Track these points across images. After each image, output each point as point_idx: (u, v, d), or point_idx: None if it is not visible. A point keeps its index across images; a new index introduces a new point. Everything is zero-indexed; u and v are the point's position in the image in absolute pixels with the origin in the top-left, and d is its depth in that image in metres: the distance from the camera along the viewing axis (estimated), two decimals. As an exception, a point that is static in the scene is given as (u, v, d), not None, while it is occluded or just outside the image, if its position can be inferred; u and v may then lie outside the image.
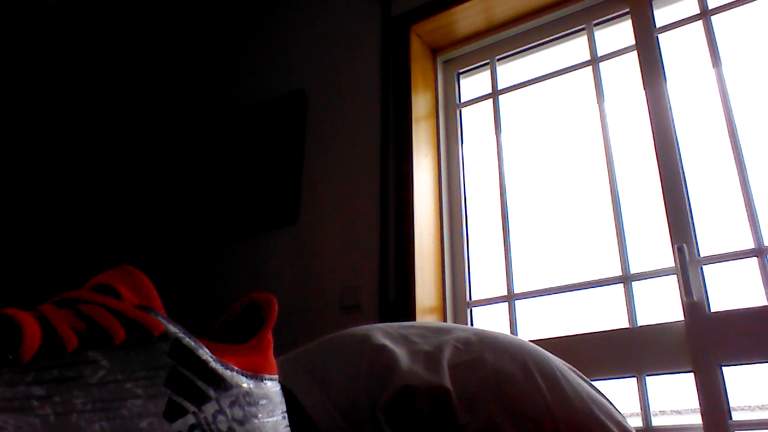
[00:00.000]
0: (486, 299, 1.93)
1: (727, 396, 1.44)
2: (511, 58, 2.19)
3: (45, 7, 2.58)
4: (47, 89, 2.54)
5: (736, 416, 1.44)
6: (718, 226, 1.61)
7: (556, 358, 0.74)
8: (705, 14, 1.79)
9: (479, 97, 2.19)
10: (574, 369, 0.74)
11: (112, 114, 2.76)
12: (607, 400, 0.73)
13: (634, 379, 1.58)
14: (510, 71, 2.18)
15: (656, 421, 1.54)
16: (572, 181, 1.92)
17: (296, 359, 0.75)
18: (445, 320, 1.94)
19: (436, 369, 0.69)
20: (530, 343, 0.77)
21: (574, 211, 1.88)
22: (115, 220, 2.66)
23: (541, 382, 0.68)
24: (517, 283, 1.89)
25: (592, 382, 0.75)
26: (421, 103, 2.14)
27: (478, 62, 2.23)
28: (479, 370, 0.69)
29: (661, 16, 1.88)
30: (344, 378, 0.70)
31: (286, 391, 0.66)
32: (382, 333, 0.75)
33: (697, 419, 1.46)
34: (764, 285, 1.49)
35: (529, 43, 2.12)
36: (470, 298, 1.96)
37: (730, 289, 1.55)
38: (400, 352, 0.71)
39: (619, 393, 1.59)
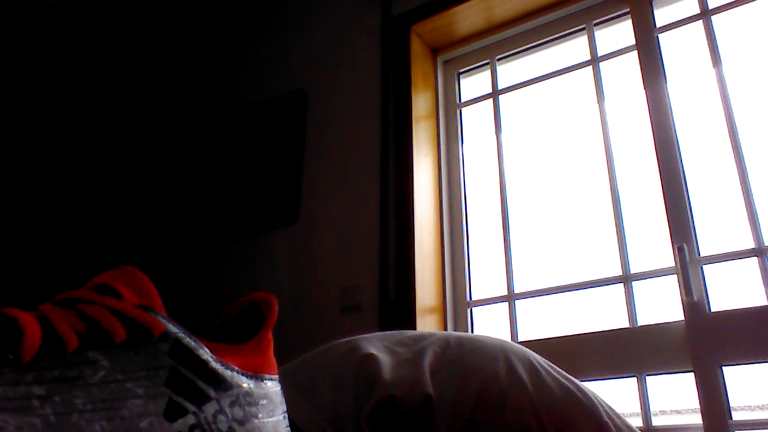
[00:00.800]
0: (486, 299, 1.93)
1: (727, 396, 1.44)
2: (511, 58, 2.19)
3: (44, 6, 2.57)
4: (48, 89, 2.54)
5: (736, 416, 1.44)
6: (718, 226, 1.61)
7: (536, 354, 0.75)
8: (705, 14, 1.79)
9: (479, 97, 2.19)
10: (555, 366, 0.75)
11: (113, 114, 2.76)
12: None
13: (634, 379, 1.58)
14: (510, 71, 2.18)
15: (656, 421, 1.54)
16: (572, 180, 1.92)
17: (283, 375, 0.76)
18: (445, 320, 1.94)
19: (419, 376, 0.69)
20: (508, 341, 0.78)
21: (574, 210, 1.88)
22: (115, 221, 2.66)
23: (523, 375, 0.69)
24: (517, 283, 1.89)
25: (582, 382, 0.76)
26: (421, 103, 2.14)
27: (478, 62, 2.23)
28: (460, 372, 0.70)
29: (661, 16, 1.88)
30: (331, 390, 0.71)
31: None
32: (367, 343, 0.76)
33: (697, 419, 1.46)
34: (764, 285, 1.49)
35: (529, 43, 2.12)
36: (470, 298, 1.96)
37: (730, 289, 1.55)
38: (385, 361, 0.72)
39: (619, 393, 1.59)
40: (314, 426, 0.67)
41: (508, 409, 0.66)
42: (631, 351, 1.60)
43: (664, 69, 1.80)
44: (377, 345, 0.76)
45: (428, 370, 0.71)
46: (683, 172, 1.67)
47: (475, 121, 2.20)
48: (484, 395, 0.67)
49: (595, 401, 0.69)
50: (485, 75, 2.21)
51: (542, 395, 0.66)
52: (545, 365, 0.72)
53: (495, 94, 2.14)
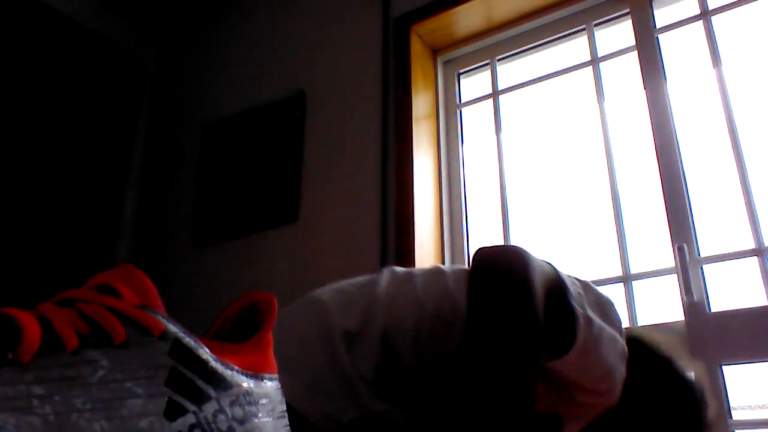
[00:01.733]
0: (486, 299, 1.93)
1: (727, 395, 1.44)
2: (511, 58, 2.19)
3: (52, 13, 2.58)
4: (48, 92, 2.54)
5: (736, 416, 1.44)
6: (718, 226, 1.61)
7: None
8: (705, 14, 1.79)
9: (479, 97, 2.19)
10: None
11: (114, 116, 2.76)
12: None
13: (634, 379, 1.58)
14: (510, 71, 2.18)
15: (656, 421, 1.54)
16: (572, 180, 1.92)
17: None
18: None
19: (371, 310, 0.79)
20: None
21: (575, 210, 1.88)
22: (115, 220, 2.66)
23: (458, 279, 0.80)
24: (517, 283, 1.88)
25: None
26: (421, 103, 2.14)
27: (479, 62, 2.23)
28: (413, 294, 0.80)
29: (661, 16, 1.88)
30: (297, 350, 0.77)
31: None
32: (318, 293, 0.86)
33: (697, 419, 1.46)
34: (764, 285, 1.49)
35: (529, 44, 2.12)
36: (470, 298, 1.96)
37: (730, 289, 1.55)
38: (333, 303, 0.82)
39: (619, 393, 1.59)
40: (297, 398, 0.71)
41: (459, 310, 0.75)
42: (631, 351, 1.60)
43: (664, 69, 1.80)
44: (327, 292, 0.85)
45: (382, 298, 0.80)
46: (683, 172, 1.67)
47: (475, 121, 2.20)
48: (440, 309, 0.77)
49: None
50: (485, 75, 2.21)
51: None
52: None
53: (495, 94, 2.14)
